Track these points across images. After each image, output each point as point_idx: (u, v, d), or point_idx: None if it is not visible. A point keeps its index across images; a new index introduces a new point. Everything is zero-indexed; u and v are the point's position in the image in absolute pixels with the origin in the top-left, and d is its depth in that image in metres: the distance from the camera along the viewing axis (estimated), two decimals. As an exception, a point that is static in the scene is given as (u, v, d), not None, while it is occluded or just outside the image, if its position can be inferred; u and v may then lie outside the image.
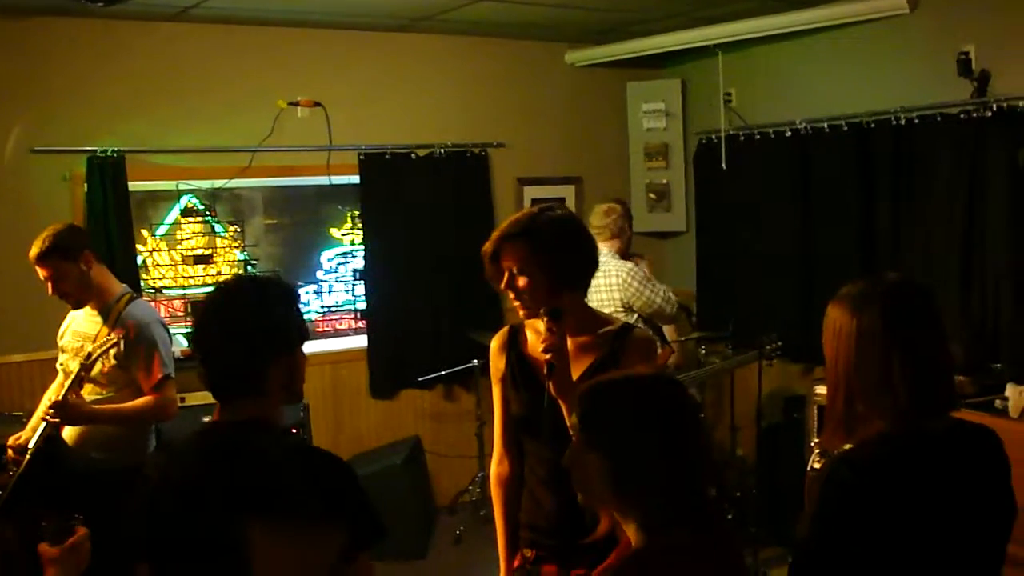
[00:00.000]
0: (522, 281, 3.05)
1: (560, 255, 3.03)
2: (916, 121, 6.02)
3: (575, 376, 2.98)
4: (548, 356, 2.90)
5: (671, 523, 2.15)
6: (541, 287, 3.02)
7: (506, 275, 3.10)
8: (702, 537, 2.17)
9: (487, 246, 3.15)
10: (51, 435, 4.23)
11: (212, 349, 2.44)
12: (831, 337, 2.35)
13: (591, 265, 3.16)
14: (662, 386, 2.32)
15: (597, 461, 2.19)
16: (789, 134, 6.84)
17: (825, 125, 6.57)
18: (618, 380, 2.34)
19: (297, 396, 2.52)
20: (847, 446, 2.33)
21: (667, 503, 2.16)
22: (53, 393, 4.44)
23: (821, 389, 5.83)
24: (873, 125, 6.28)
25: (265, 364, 2.39)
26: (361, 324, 7.23)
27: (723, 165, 7.24)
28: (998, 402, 5.09)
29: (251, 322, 2.42)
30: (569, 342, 3.04)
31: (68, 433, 4.36)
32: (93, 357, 4.17)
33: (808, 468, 5.72)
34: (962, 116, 5.74)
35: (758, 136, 7.12)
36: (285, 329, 2.46)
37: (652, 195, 7.88)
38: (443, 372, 6.87)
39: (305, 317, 2.67)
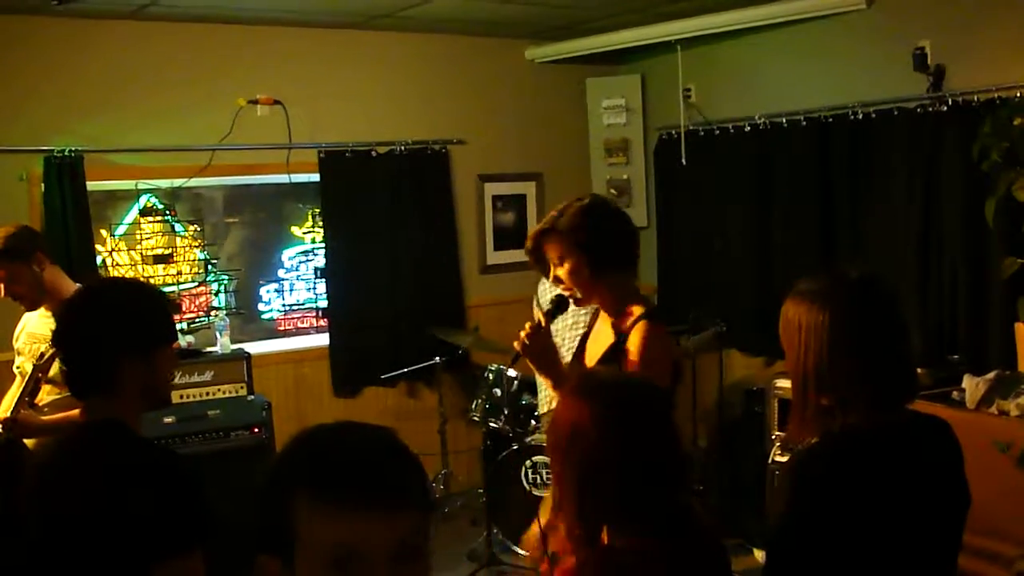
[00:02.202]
0: (563, 270, 3.30)
1: (591, 241, 3.27)
2: (873, 116, 6.08)
3: (596, 357, 3.34)
4: (517, 346, 3.22)
5: (636, 526, 2.14)
6: (583, 272, 3.28)
7: (551, 267, 3.35)
8: (670, 541, 2.15)
9: (527, 243, 3.44)
10: (10, 440, 4.19)
11: (67, 347, 2.53)
12: (795, 332, 2.36)
13: (626, 242, 3.40)
14: (632, 389, 2.30)
15: (565, 463, 2.18)
16: (748, 129, 6.88)
17: (784, 120, 6.61)
18: (587, 380, 2.34)
19: (160, 400, 2.60)
20: (812, 440, 2.34)
21: (632, 506, 2.14)
22: (10, 398, 4.39)
23: (781, 382, 5.87)
24: (831, 120, 6.32)
25: (115, 364, 2.45)
26: (323, 322, 7.21)
27: (683, 160, 7.27)
28: (955, 393, 5.14)
29: (102, 322, 2.49)
30: (600, 322, 3.44)
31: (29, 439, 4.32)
32: (46, 357, 4.14)
33: (769, 460, 5.77)
34: (918, 110, 5.80)
35: (717, 131, 7.16)
36: (138, 331, 2.51)
37: (613, 191, 7.89)
38: (406, 370, 6.86)
39: (176, 323, 2.77)
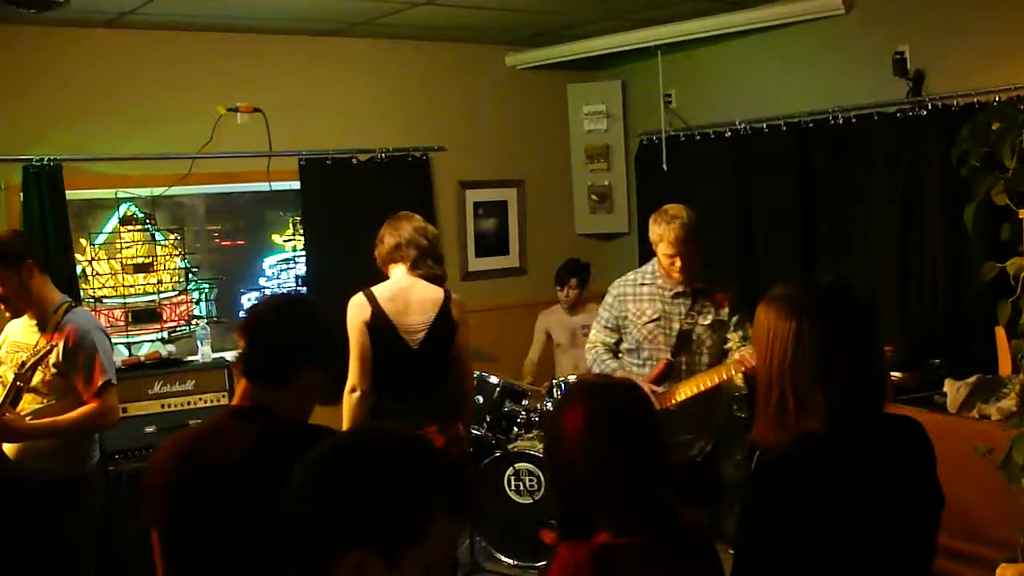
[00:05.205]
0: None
1: None
2: (853, 120, 6.09)
3: None
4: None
5: (624, 524, 2.21)
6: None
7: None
8: (655, 539, 2.23)
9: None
10: None
11: (263, 333, 2.68)
12: (764, 336, 2.38)
13: None
14: (618, 390, 2.38)
15: (560, 461, 2.28)
16: (729, 134, 6.90)
17: (764, 125, 6.63)
18: (577, 384, 2.42)
19: (306, 416, 2.79)
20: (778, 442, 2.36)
21: (620, 505, 2.21)
22: None
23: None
24: (811, 125, 6.34)
25: (299, 361, 2.66)
26: (304, 330, 7.17)
27: (664, 166, 7.28)
28: (937, 397, 5.16)
29: (304, 322, 2.72)
30: None
31: (8, 444, 4.29)
32: (27, 366, 4.12)
33: (753, 464, 5.78)
34: (898, 115, 5.82)
35: (698, 137, 7.17)
36: (324, 346, 2.75)
37: (594, 197, 7.90)
38: (387, 377, 6.83)
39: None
